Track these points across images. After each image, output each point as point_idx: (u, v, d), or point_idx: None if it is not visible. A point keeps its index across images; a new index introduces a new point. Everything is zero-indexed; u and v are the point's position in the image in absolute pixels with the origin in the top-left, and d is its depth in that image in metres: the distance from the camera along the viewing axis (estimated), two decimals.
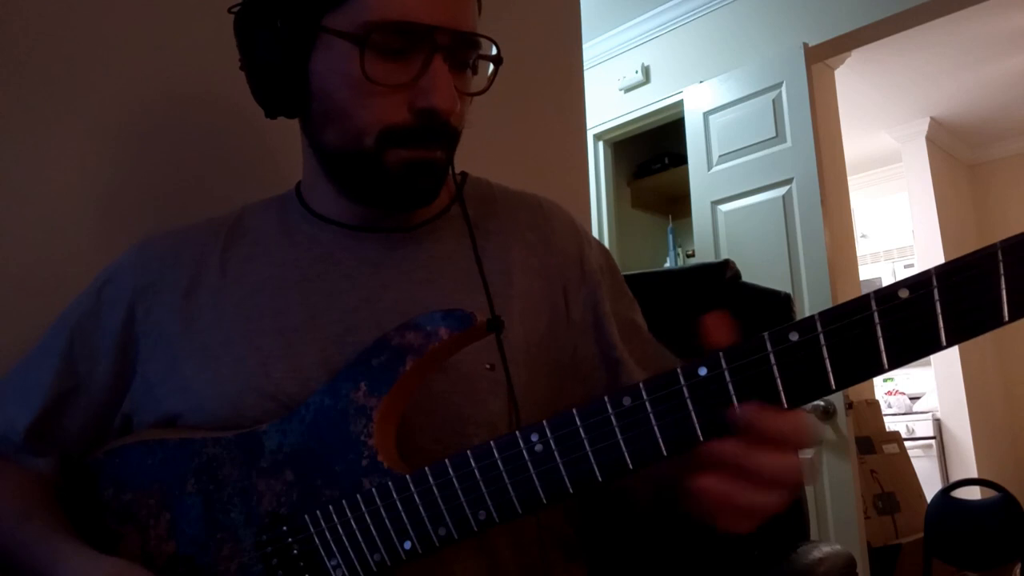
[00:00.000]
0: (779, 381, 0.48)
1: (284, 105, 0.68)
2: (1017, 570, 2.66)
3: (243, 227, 0.77)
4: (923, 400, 4.79)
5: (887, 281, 5.29)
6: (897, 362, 0.46)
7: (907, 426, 4.50)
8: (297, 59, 0.65)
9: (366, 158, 0.65)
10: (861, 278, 3.65)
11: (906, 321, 0.45)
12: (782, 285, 2.54)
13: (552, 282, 0.74)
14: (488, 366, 0.67)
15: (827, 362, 0.47)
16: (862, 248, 5.11)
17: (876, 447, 3.09)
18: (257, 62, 0.67)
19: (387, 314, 0.67)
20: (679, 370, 0.50)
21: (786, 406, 0.48)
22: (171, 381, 0.68)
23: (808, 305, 2.64)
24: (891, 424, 3.91)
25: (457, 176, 0.78)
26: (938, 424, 4.46)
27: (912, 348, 0.46)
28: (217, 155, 1.04)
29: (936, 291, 0.45)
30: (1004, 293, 0.43)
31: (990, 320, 0.44)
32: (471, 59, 0.68)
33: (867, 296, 0.46)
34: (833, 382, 0.47)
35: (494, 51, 0.68)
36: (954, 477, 4.03)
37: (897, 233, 5.30)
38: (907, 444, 3.40)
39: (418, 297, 0.69)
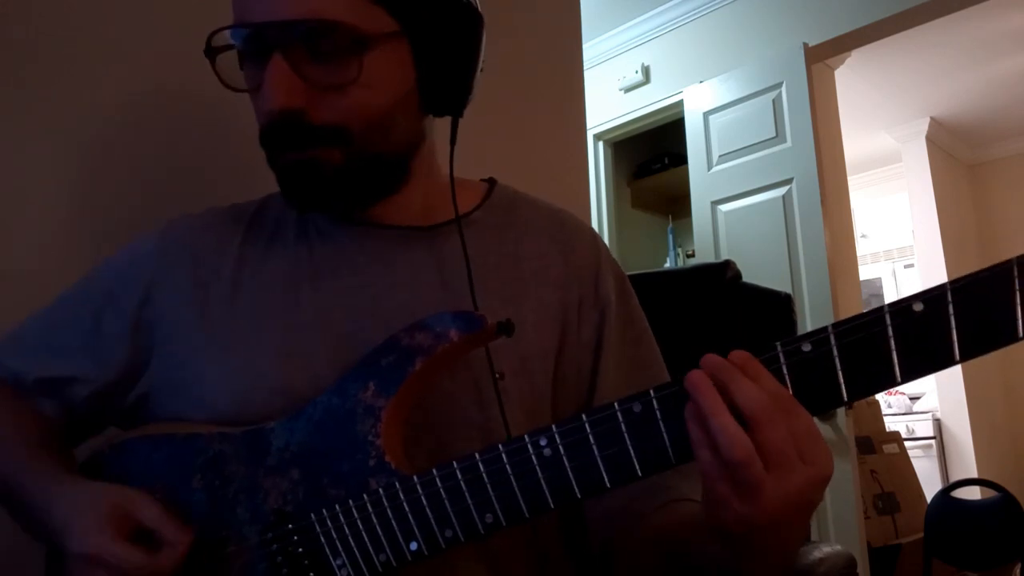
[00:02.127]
0: (791, 391, 0.48)
1: None
2: (1017, 570, 2.66)
3: (264, 217, 0.76)
4: (923, 400, 4.79)
5: (887, 281, 5.30)
6: (910, 375, 0.46)
7: (907, 426, 4.50)
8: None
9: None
10: (861, 278, 3.65)
11: (920, 335, 0.45)
12: (782, 285, 2.54)
13: (568, 296, 0.73)
14: (498, 375, 0.66)
15: (840, 374, 0.47)
16: (862, 248, 5.11)
17: (876, 447, 3.09)
18: None
19: (396, 313, 0.67)
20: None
21: None
22: (183, 371, 0.68)
23: (808, 305, 2.64)
24: (891, 424, 3.91)
25: (483, 183, 0.78)
26: (938, 424, 4.46)
27: (925, 362, 0.46)
28: (219, 154, 1.04)
29: (951, 306, 0.45)
30: (1020, 309, 0.43)
31: (1004, 336, 0.44)
32: (334, 47, 0.61)
33: (880, 309, 0.46)
34: (845, 394, 0.47)
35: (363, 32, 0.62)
36: (954, 477, 4.03)
37: (897, 233, 5.30)
38: (907, 444, 3.40)
39: (428, 298, 0.69)
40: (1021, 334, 0.43)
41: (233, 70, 0.66)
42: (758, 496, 0.45)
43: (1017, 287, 0.43)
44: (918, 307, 0.45)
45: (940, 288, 0.45)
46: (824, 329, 0.47)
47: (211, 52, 0.63)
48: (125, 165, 0.96)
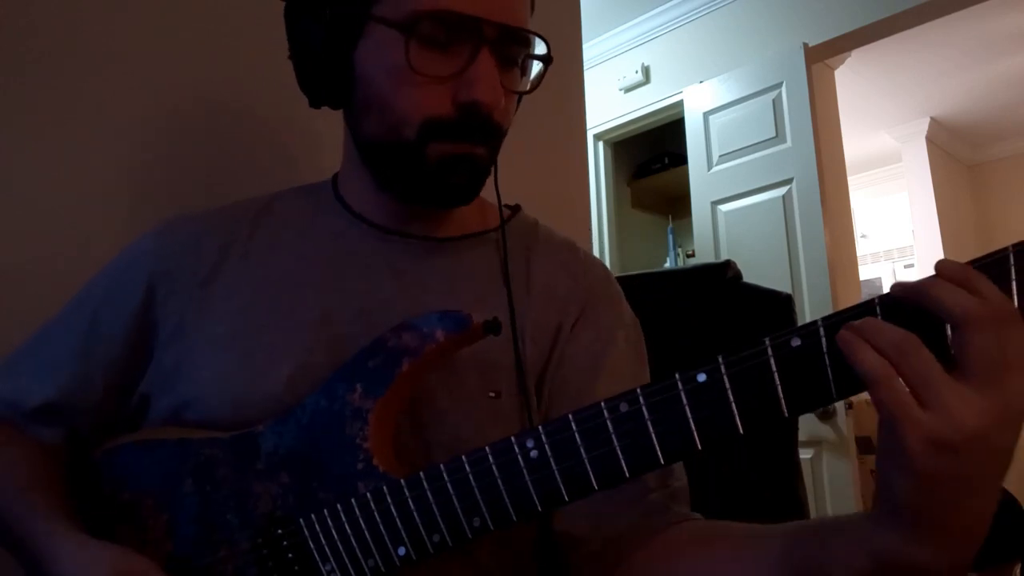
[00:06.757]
0: (779, 388, 0.48)
1: (328, 93, 0.69)
2: (1017, 570, 2.66)
3: (272, 214, 0.76)
4: None
5: (887, 281, 5.30)
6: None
7: None
8: (343, 47, 0.66)
9: (406, 150, 0.65)
10: (861, 278, 3.64)
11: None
12: (782, 285, 2.53)
13: (566, 316, 0.72)
14: (492, 394, 0.66)
15: (829, 371, 0.47)
16: (862, 248, 5.11)
17: (876, 447, 3.09)
18: (303, 50, 0.68)
19: (397, 319, 0.65)
20: (677, 376, 0.50)
21: (786, 414, 0.48)
22: (183, 371, 0.67)
23: (808, 305, 2.64)
24: None
25: (507, 209, 0.78)
26: None
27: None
28: (229, 154, 1.04)
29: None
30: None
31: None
32: (520, 56, 0.67)
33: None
34: (834, 390, 0.47)
35: (543, 50, 0.68)
36: None
37: (897, 233, 5.30)
38: None
39: (434, 306, 0.69)
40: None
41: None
42: (951, 404, 0.40)
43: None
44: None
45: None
46: (815, 323, 0.47)
47: (409, 30, 0.61)
48: (139, 161, 0.96)
